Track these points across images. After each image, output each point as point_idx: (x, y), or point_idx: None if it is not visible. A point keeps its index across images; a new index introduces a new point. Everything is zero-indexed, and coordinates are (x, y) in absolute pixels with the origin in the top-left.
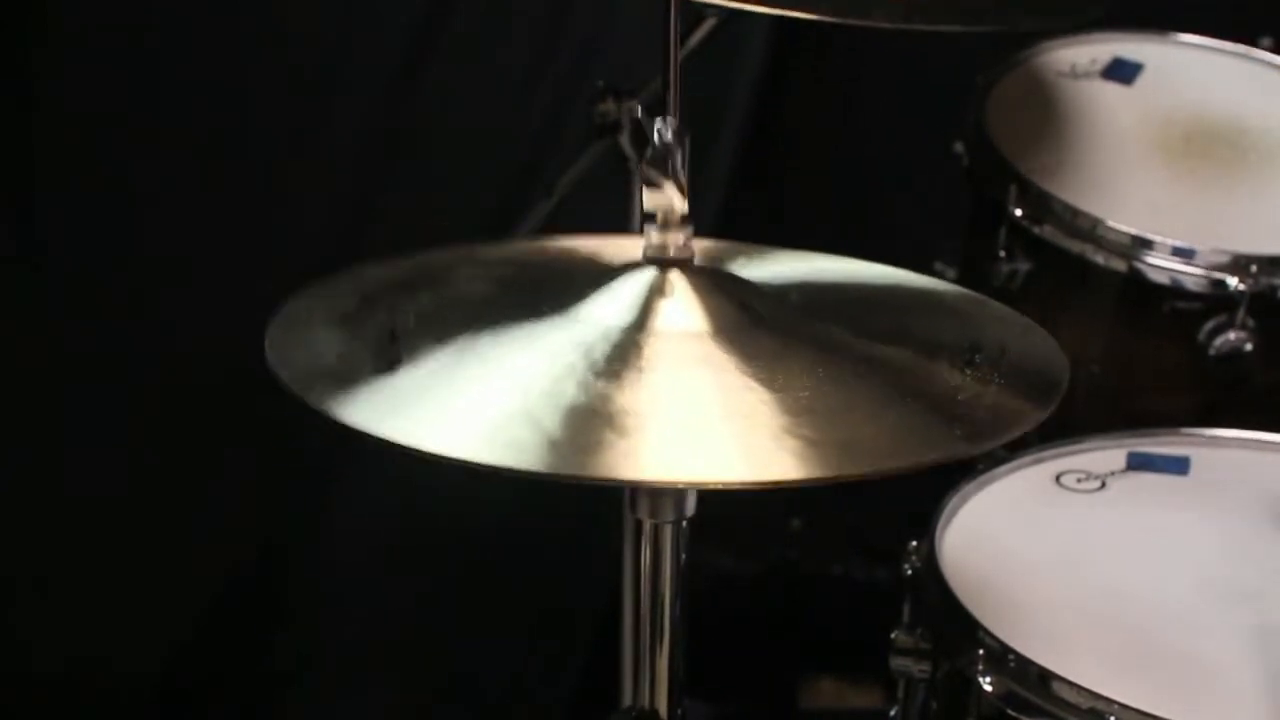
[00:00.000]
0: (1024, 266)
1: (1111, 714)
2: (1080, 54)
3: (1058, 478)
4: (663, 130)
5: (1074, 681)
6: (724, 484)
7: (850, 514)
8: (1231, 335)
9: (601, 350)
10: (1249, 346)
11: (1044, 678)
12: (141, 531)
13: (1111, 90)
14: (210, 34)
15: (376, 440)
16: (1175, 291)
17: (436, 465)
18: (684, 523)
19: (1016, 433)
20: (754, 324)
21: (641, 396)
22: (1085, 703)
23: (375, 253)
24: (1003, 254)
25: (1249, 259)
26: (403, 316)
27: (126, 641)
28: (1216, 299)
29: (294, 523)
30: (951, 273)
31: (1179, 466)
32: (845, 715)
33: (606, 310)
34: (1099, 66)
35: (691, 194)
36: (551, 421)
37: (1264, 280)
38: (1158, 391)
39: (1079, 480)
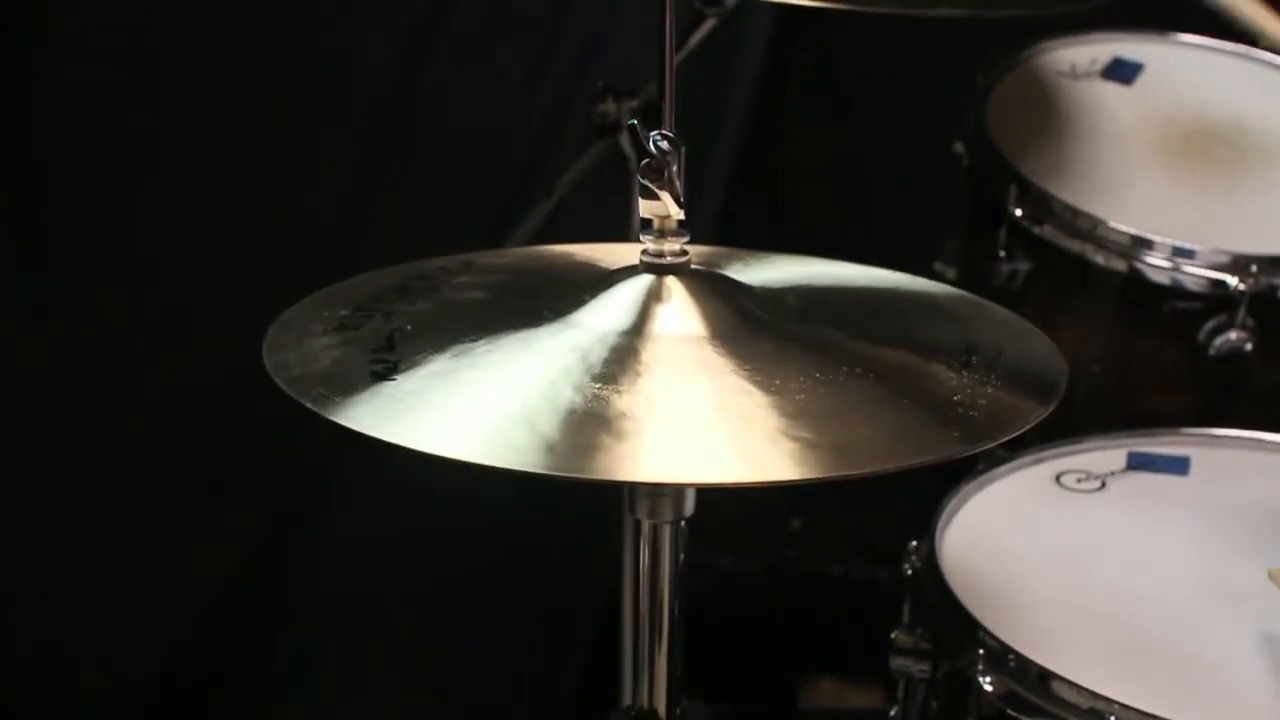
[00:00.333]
0: (1024, 267)
1: (1111, 714)
2: (1080, 54)
3: (1058, 478)
4: (658, 141)
5: (1074, 681)
6: (720, 484)
7: (850, 514)
8: (1231, 335)
9: (599, 355)
10: (1249, 346)
11: (1044, 677)
12: (141, 531)
13: (1111, 90)
14: (210, 34)
15: (375, 442)
16: (1175, 291)
17: (436, 466)
18: (682, 523)
19: (1012, 433)
20: (750, 328)
21: (638, 400)
22: (1085, 702)
23: (375, 252)
24: (1003, 254)
25: (1249, 259)
26: (400, 322)
27: (126, 641)
28: (1216, 299)
29: (294, 523)
30: (951, 273)
31: (1179, 466)
32: (845, 715)
33: (603, 316)
34: (1099, 66)
35: (691, 194)
36: (549, 425)
37: (1264, 280)
38: (1158, 391)
39: (1079, 480)
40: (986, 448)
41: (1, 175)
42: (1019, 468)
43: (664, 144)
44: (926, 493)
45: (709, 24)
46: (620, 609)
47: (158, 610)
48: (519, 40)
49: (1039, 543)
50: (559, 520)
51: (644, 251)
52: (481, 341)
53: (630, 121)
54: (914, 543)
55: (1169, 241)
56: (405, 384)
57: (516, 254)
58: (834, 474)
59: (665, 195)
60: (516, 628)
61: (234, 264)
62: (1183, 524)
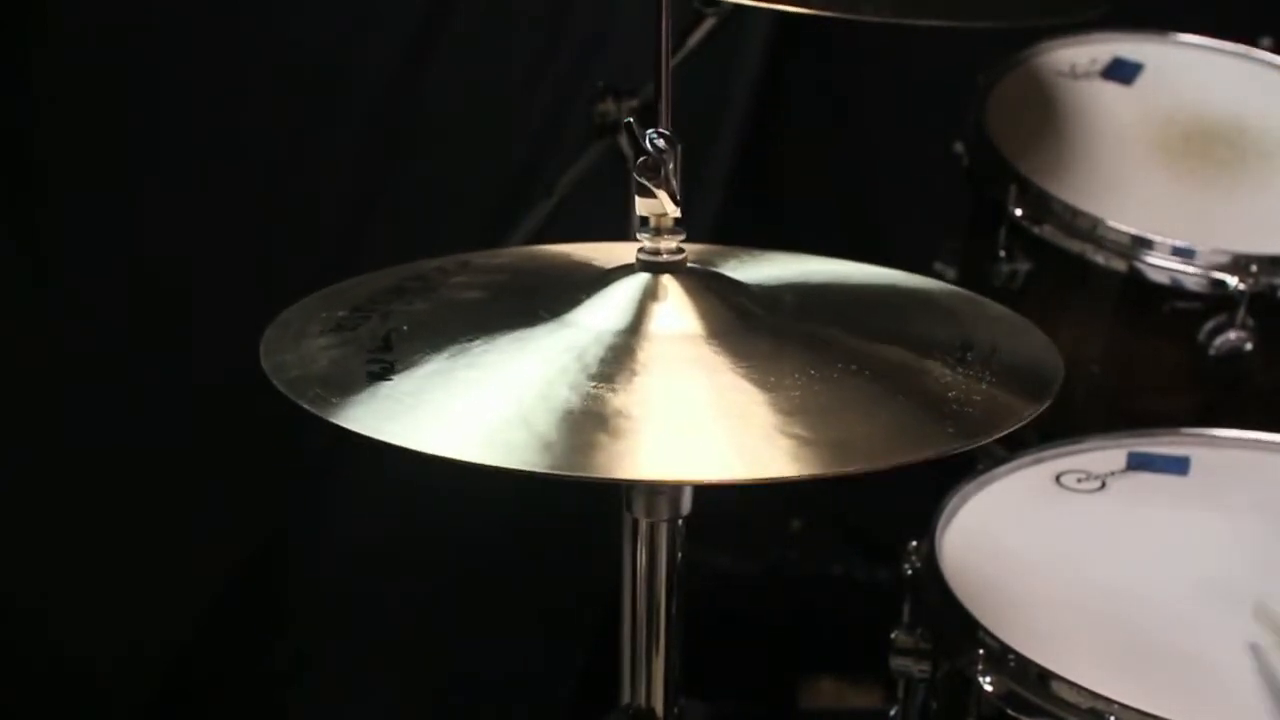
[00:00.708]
0: (1024, 266)
1: (1111, 714)
2: (1080, 54)
3: (1058, 478)
4: (654, 140)
5: (1073, 681)
6: (717, 481)
7: (850, 514)
8: (1231, 335)
9: (595, 354)
10: (1249, 346)
11: (1044, 677)
12: (141, 531)
13: (1111, 90)
14: (210, 34)
15: (373, 442)
16: (1175, 291)
17: (435, 466)
18: (680, 521)
19: (1007, 429)
20: (747, 326)
21: (635, 399)
22: (1085, 702)
23: (375, 252)
24: (1003, 254)
25: (1249, 259)
26: (397, 322)
27: (127, 641)
28: (1216, 299)
29: (294, 523)
30: (951, 272)
31: (1179, 466)
32: (845, 715)
33: (600, 315)
34: (1099, 66)
35: (690, 194)
36: (546, 424)
37: (1264, 280)
38: (1157, 391)
39: (1079, 480)
40: (982, 444)
41: (1, 175)
42: (1019, 468)
43: (660, 142)
44: (926, 493)
45: (708, 24)
46: (620, 608)
47: (158, 610)
48: (519, 40)
49: (1039, 543)
50: (558, 520)
51: (640, 250)
52: (478, 341)
53: (627, 120)
54: (914, 543)
55: (1169, 241)
56: (402, 384)
57: (513, 254)
58: (830, 471)
59: (661, 193)
60: (516, 628)
61: (234, 264)
62: (1182, 524)
